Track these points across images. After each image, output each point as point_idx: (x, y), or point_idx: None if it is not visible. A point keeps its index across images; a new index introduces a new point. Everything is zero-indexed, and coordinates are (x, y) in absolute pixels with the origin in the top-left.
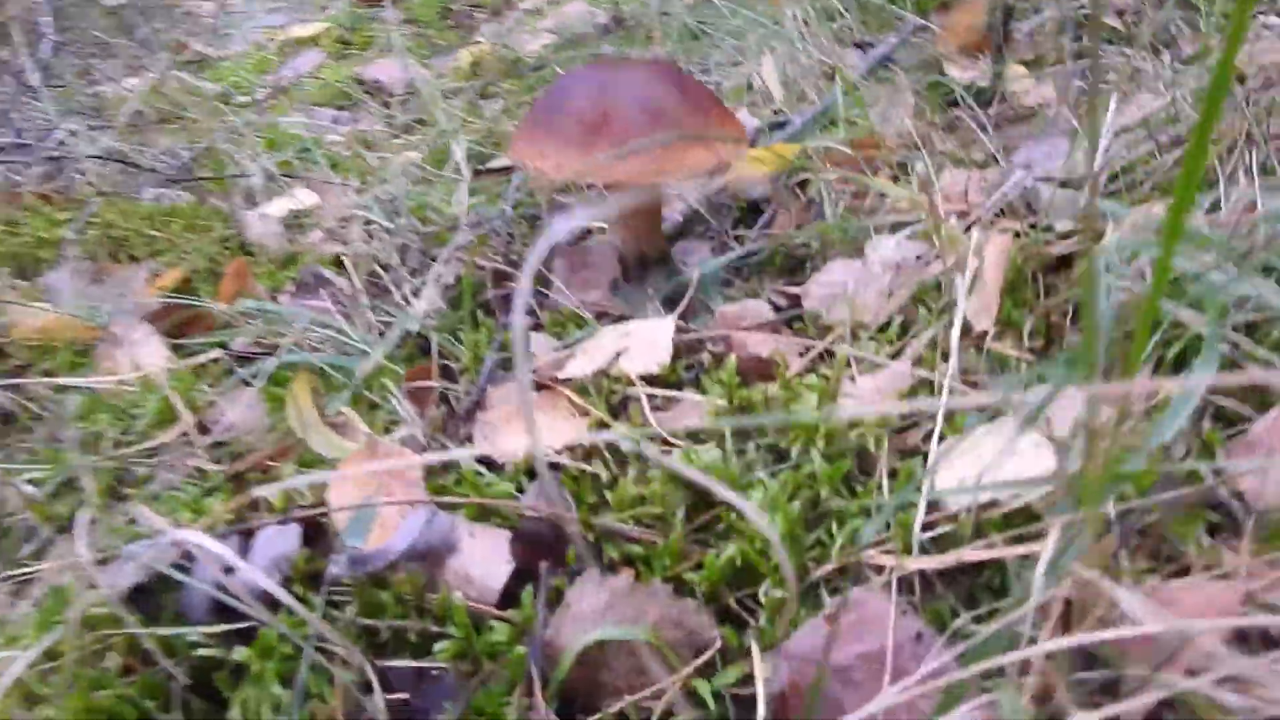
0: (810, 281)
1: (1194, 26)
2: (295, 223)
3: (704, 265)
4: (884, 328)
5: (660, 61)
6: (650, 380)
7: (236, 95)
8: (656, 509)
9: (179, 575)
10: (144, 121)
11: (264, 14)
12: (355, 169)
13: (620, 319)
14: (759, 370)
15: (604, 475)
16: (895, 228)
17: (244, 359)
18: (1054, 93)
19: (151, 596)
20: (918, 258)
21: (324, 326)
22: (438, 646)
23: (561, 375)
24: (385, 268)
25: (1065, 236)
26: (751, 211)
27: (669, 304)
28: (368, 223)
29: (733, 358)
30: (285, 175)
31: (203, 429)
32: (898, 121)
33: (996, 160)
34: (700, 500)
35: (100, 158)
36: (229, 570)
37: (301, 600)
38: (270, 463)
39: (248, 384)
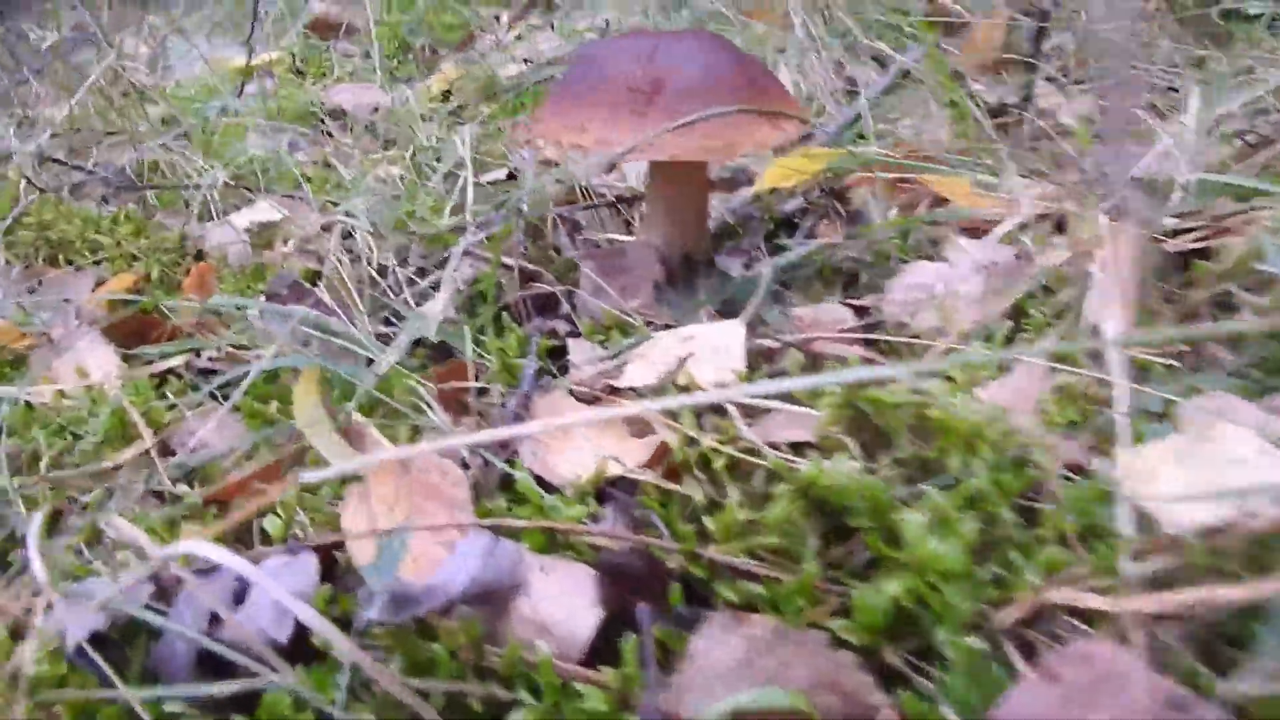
0: (890, 286)
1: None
2: (259, 236)
3: (753, 271)
4: (988, 335)
5: (705, 31)
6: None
7: (184, 117)
8: (774, 538)
9: (153, 618)
10: (83, 133)
11: (207, 47)
12: (328, 183)
13: (667, 327)
14: None
15: (698, 497)
16: (972, 232)
17: (210, 372)
18: (1091, 107)
19: (114, 647)
20: (1016, 257)
21: (317, 330)
22: (513, 719)
23: (619, 384)
24: (381, 271)
25: (1181, 233)
26: (784, 225)
27: (722, 315)
28: (346, 234)
29: (827, 363)
30: (245, 188)
31: (165, 449)
32: (934, 133)
33: (1058, 166)
34: (835, 527)
35: (36, 156)
36: (215, 619)
37: (318, 657)
38: (259, 484)
39: (218, 398)
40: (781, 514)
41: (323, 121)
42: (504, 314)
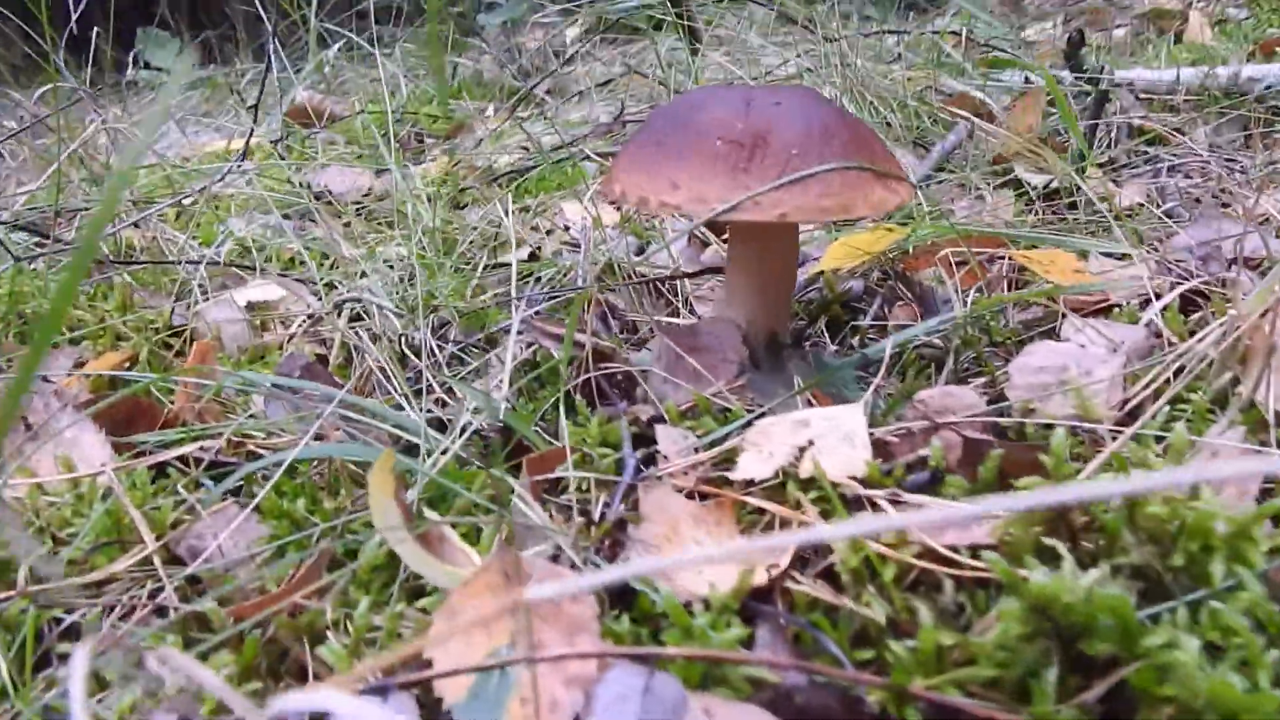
0: (1012, 369)
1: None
2: (256, 316)
3: (835, 360)
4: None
5: (800, 86)
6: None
7: (159, 201)
8: (991, 669)
9: None
10: (55, 212)
11: (179, 133)
12: (324, 264)
13: (759, 412)
14: (1023, 466)
15: (876, 614)
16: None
17: (216, 465)
18: (1146, 195)
19: None
20: (1158, 336)
21: (353, 412)
22: None
23: (734, 476)
24: (414, 350)
25: None
26: (846, 309)
27: (820, 400)
28: (355, 316)
29: (996, 452)
30: (238, 267)
31: (171, 556)
32: (991, 216)
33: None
34: (1070, 656)
35: (7, 224)
36: None
37: None
38: (299, 601)
39: (230, 496)
40: (1002, 637)
41: (315, 205)
42: (570, 397)
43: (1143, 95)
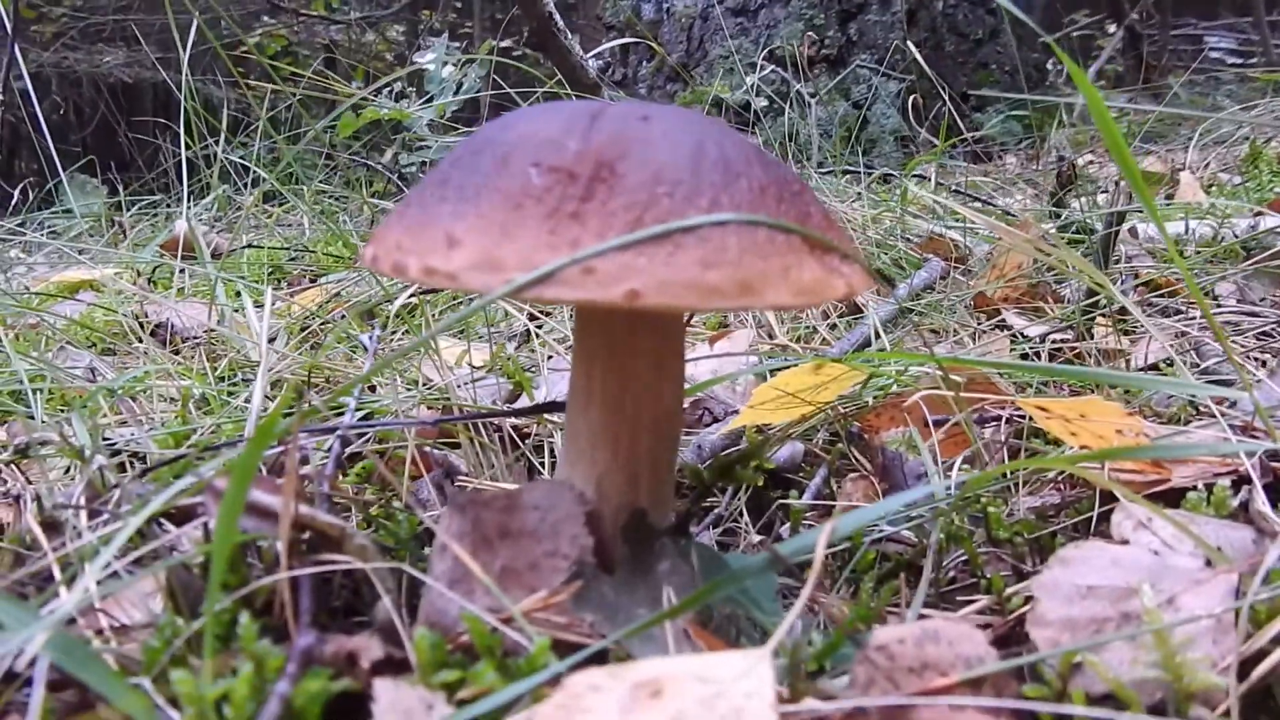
0: (1042, 587)
1: None
2: None
3: (741, 560)
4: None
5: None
6: None
7: None
8: None
9: None
10: None
11: (46, 267)
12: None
13: (598, 655)
14: None
15: None
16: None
17: None
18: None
19: None
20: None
21: None
22: None
23: None
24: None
25: None
26: (779, 482)
27: (706, 631)
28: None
29: None
30: None
31: None
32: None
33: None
34: None
35: None
36: None
37: None
38: None
39: None
40: None
41: (143, 342)
42: (251, 614)
43: (1144, 247)
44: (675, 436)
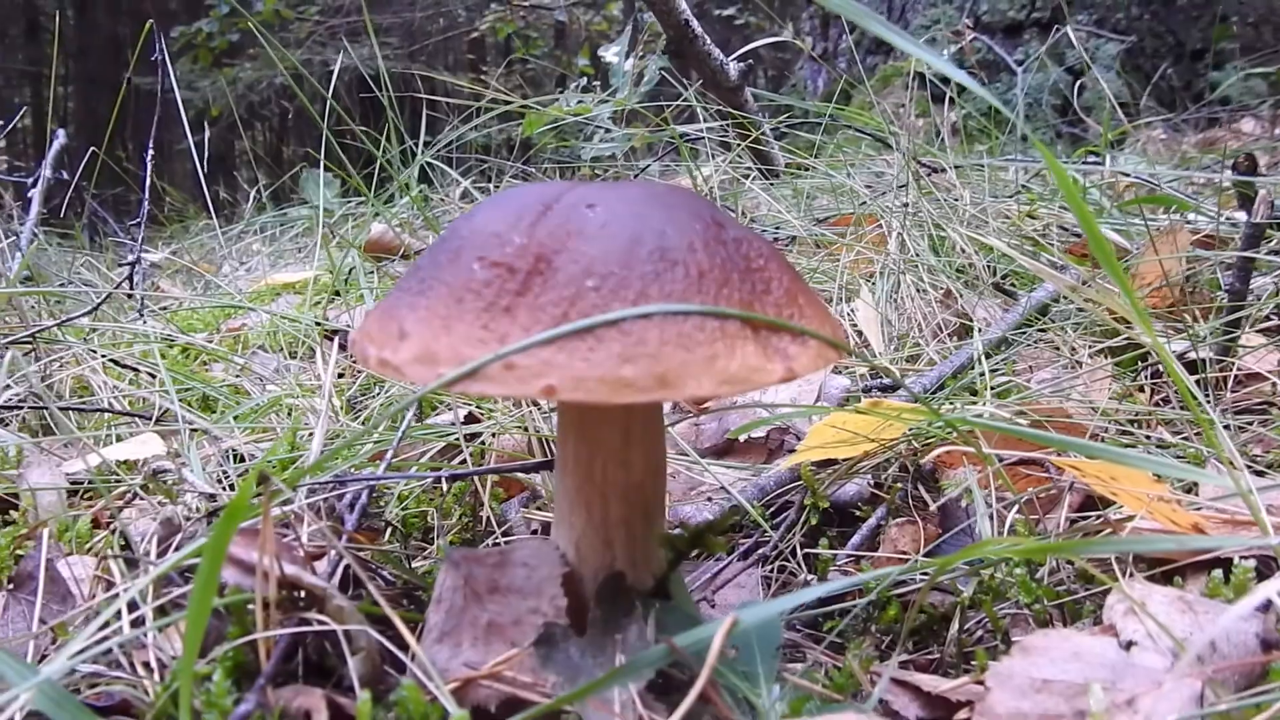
0: (996, 675)
1: None
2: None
3: (748, 610)
4: None
5: (655, 183)
6: None
7: (178, 337)
8: None
9: None
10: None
11: (268, 263)
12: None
13: (554, 715)
14: None
15: None
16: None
17: None
18: None
19: None
20: (1262, 639)
21: None
22: None
23: None
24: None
25: None
26: (839, 517)
27: (660, 688)
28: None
29: None
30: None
31: None
32: (1086, 394)
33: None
34: None
35: None
36: None
37: None
38: None
39: None
40: None
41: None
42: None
43: None
44: (649, 501)
